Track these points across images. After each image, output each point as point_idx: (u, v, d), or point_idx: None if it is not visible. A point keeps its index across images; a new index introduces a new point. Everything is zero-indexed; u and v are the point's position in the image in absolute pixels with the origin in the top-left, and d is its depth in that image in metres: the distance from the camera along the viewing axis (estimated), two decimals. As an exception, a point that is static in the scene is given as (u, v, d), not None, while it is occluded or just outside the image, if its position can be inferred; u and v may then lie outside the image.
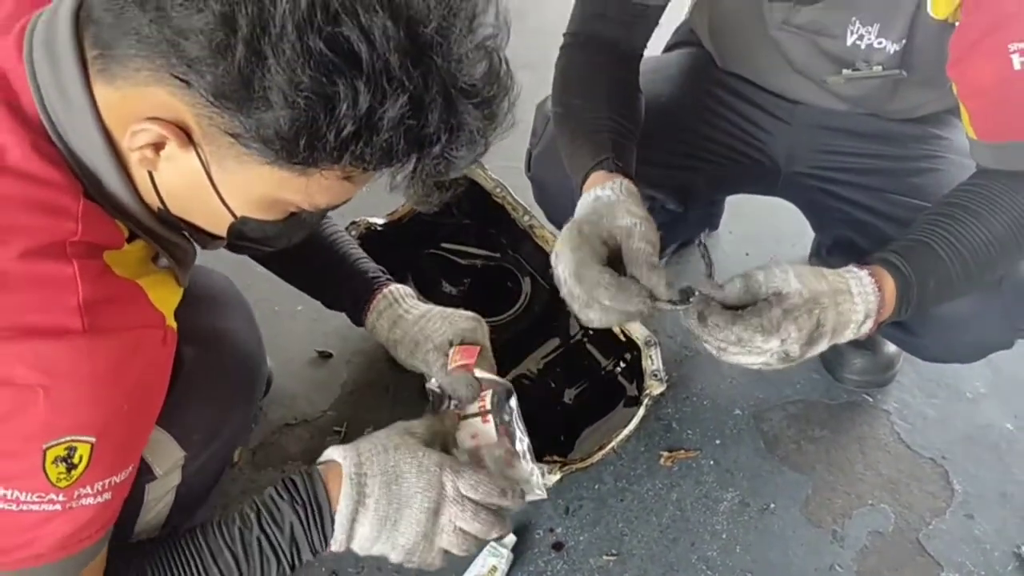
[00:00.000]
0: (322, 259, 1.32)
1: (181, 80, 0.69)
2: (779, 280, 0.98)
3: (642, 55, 1.34)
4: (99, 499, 0.80)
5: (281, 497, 0.97)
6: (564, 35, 1.33)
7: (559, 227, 1.51)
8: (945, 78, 1.12)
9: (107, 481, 0.80)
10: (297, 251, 1.25)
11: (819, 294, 0.97)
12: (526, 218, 1.54)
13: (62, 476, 0.75)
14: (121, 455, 0.81)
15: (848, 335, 1.01)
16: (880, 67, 1.21)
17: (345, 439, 1.53)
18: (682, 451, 1.55)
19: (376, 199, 1.92)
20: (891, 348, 1.63)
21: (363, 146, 0.70)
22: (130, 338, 0.79)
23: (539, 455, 1.31)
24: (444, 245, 1.71)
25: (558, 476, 1.28)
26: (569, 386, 1.54)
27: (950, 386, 1.68)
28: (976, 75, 1.06)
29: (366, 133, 0.69)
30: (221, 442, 1.10)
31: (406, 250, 1.66)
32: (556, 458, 1.34)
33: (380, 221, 1.59)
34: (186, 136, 0.73)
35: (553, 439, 1.46)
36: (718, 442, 1.57)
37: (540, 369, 1.56)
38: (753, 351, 0.97)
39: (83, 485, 0.77)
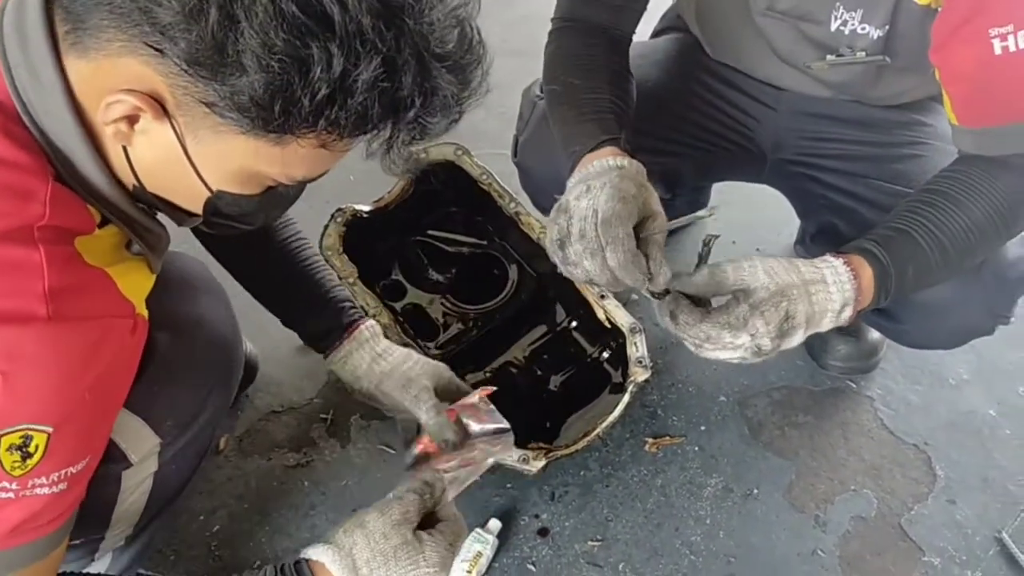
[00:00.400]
0: (297, 287, 1.30)
1: (155, 49, 0.69)
2: (746, 274, 0.99)
3: (631, 40, 1.34)
4: (54, 489, 0.78)
5: None
6: (552, 20, 1.32)
7: (545, 212, 1.52)
8: (928, 64, 1.12)
9: (63, 472, 0.78)
10: (273, 273, 1.29)
11: (787, 287, 0.98)
12: (512, 205, 1.54)
13: (16, 464, 0.74)
14: (79, 446, 0.80)
15: (827, 324, 1.02)
16: (864, 53, 1.22)
17: (331, 426, 1.54)
18: (667, 437, 1.55)
19: (362, 187, 1.92)
20: (875, 335, 1.64)
21: (338, 110, 0.70)
22: (97, 327, 0.78)
23: (524, 442, 1.32)
24: (431, 232, 1.71)
25: (543, 463, 1.28)
26: (555, 373, 1.54)
27: (933, 372, 1.69)
28: (957, 60, 1.06)
29: (340, 96, 0.69)
30: (198, 428, 1.09)
31: (392, 237, 1.66)
32: (541, 445, 1.35)
33: (366, 208, 1.59)
34: (160, 107, 0.73)
35: (539, 426, 1.47)
36: (703, 428, 1.58)
37: (526, 356, 1.56)
38: (726, 347, 0.98)
39: (38, 475, 0.76)
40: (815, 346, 1.68)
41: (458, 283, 1.64)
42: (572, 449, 1.34)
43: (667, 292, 1.02)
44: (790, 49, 1.29)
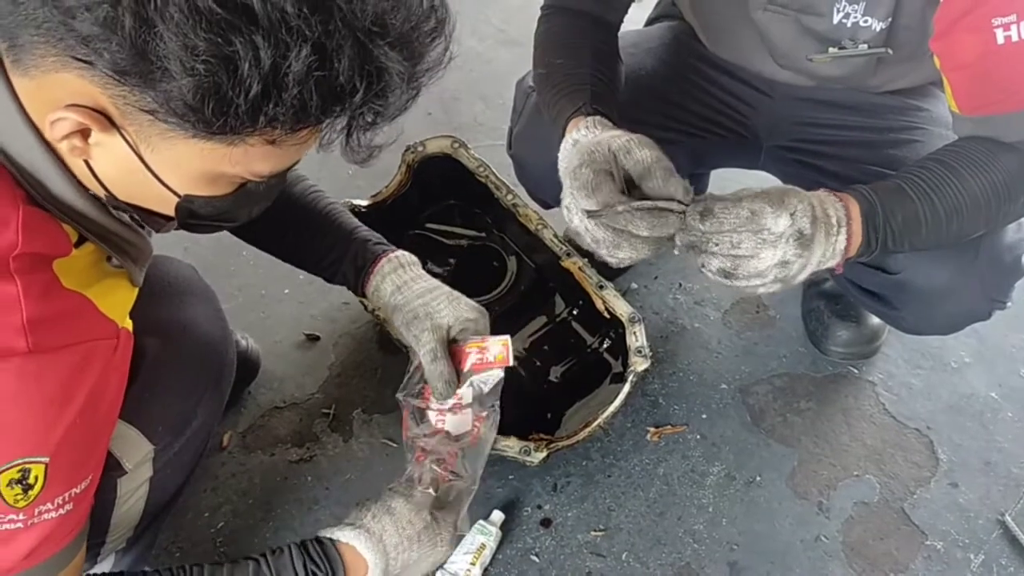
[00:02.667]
0: (321, 231, 1.27)
1: (84, 62, 0.66)
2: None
3: (619, 26, 1.34)
4: (61, 511, 0.79)
5: None
6: (542, 7, 1.32)
7: (541, 203, 1.52)
8: (925, 53, 1.12)
9: (67, 495, 0.79)
10: (293, 225, 1.26)
11: (769, 191, 0.97)
12: (509, 197, 1.54)
13: (19, 497, 0.74)
14: (79, 469, 0.81)
15: (829, 248, 0.99)
16: (866, 45, 1.21)
17: (333, 421, 1.54)
18: (668, 426, 1.56)
19: (360, 182, 1.93)
20: (876, 320, 1.64)
21: (274, 106, 0.66)
22: (79, 353, 0.77)
23: (525, 433, 1.33)
24: (429, 226, 1.71)
25: (545, 453, 1.29)
26: (555, 364, 1.54)
27: (935, 356, 1.69)
28: (959, 49, 1.06)
29: (275, 91, 0.65)
30: (191, 432, 1.08)
31: (391, 232, 1.64)
32: (543, 436, 1.35)
33: (364, 203, 1.59)
34: (106, 120, 0.70)
35: (540, 417, 1.47)
36: (704, 417, 1.58)
37: (526, 348, 1.57)
38: (766, 240, 0.94)
39: (42, 503, 0.76)
40: (816, 332, 1.68)
41: (457, 275, 1.64)
42: (573, 440, 1.34)
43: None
44: (790, 44, 1.27)
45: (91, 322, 0.80)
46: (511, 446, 1.27)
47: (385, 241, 1.27)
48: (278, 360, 1.63)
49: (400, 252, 1.24)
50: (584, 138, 1.08)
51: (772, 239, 0.94)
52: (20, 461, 0.73)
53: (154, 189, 0.78)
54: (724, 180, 1.92)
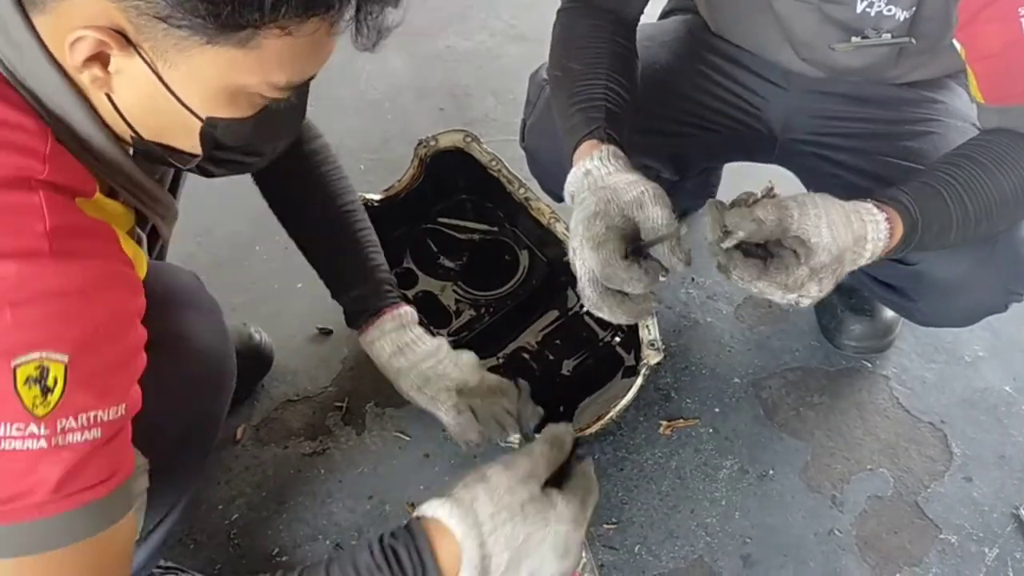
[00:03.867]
0: (344, 255, 1.29)
1: None
2: (810, 224, 0.94)
3: (638, 21, 1.33)
4: (87, 435, 0.73)
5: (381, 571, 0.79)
6: (562, 3, 1.32)
7: (553, 196, 1.52)
8: (945, 45, 1.11)
9: (92, 414, 0.73)
10: (324, 239, 1.29)
11: (845, 250, 0.96)
12: (522, 191, 1.54)
13: (38, 401, 0.70)
14: (103, 388, 0.75)
15: (856, 264, 1.01)
16: (889, 35, 1.19)
17: (346, 414, 1.55)
18: (681, 420, 1.56)
19: (372, 176, 1.94)
20: (889, 314, 1.64)
21: None
22: (100, 267, 0.75)
23: (538, 427, 1.33)
24: (441, 220, 1.71)
25: (557, 447, 1.29)
26: (567, 358, 1.54)
27: (949, 350, 1.68)
28: (984, 39, 1.05)
29: None
30: (192, 443, 1.06)
31: (403, 226, 1.67)
32: (555, 429, 1.35)
33: (377, 197, 1.60)
34: (123, 38, 0.71)
35: (552, 410, 1.47)
36: (717, 410, 1.58)
37: (538, 342, 1.57)
38: (771, 296, 0.97)
39: (64, 415, 0.71)
40: (829, 326, 1.68)
41: (469, 270, 1.65)
42: (586, 433, 1.34)
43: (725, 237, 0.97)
44: (812, 32, 1.26)
45: (113, 248, 0.78)
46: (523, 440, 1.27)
47: (395, 289, 1.29)
48: (291, 354, 1.64)
49: (405, 309, 1.27)
50: (597, 171, 1.07)
51: (778, 297, 0.97)
52: (38, 355, 0.70)
53: (176, 116, 0.78)
54: (737, 176, 1.92)
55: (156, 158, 0.87)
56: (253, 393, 1.58)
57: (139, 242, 0.93)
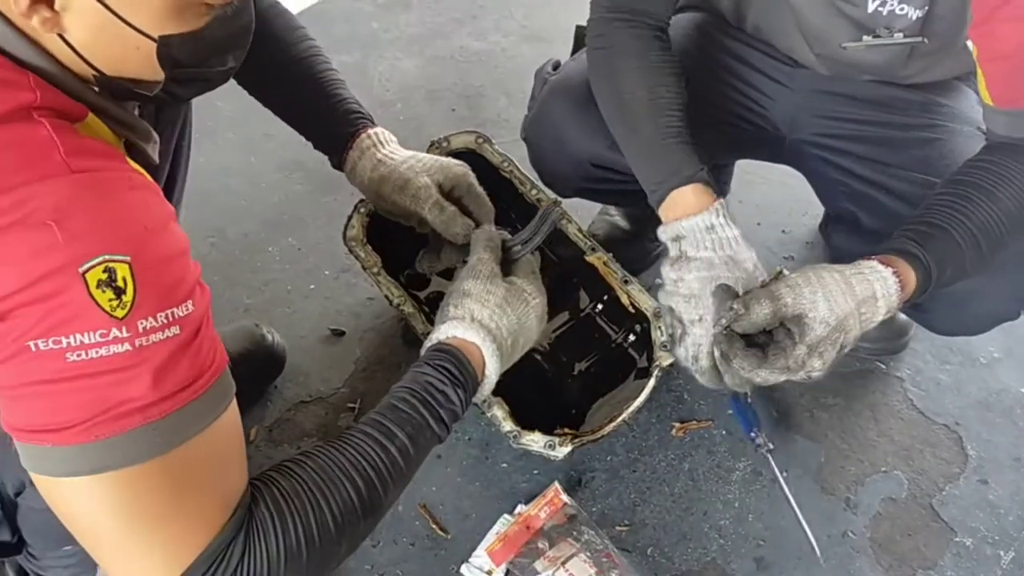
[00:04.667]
0: (309, 97, 1.32)
1: None
2: (806, 301, 0.98)
3: (669, 22, 1.33)
4: (168, 333, 0.73)
5: (444, 383, 1.00)
6: (594, 11, 1.31)
7: (554, 189, 1.52)
8: (958, 45, 1.10)
9: (168, 312, 0.73)
10: (287, 87, 1.31)
11: (845, 317, 0.99)
12: (534, 192, 1.54)
13: (114, 303, 0.70)
14: (168, 281, 0.75)
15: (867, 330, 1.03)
16: (901, 34, 1.19)
17: (359, 415, 1.55)
18: (694, 422, 1.55)
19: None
20: (903, 316, 1.62)
21: None
22: (122, 176, 0.76)
23: (550, 428, 1.32)
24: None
25: (569, 448, 1.28)
26: (580, 359, 1.54)
27: (963, 351, 1.67)
28: (998, 39, 1.04)
29: None
30: None
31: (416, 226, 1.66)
32: (567, 431, 1.35)
33: (389, 198, 1.59)
34: None
35: (564, 412, 1.47)
36: (730, 412, 1.57)
37: (550, 342, 1.56)
38: (776, 380, 1.01)
39: (142, 314, 0.71)
40: (843, 327, 1.67)
41: (482, 271, 1.64)
42: (598, 435, 1.33)
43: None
44: (825, 28, 1.25)
45: (125, 163, 0.78)
46: (536, 440, 1.27)
47: (367, 114, 1.33)
48: (304, 355, 1.64)
49: (379, 129, 1.32)
50: (722, 233, 1.14)
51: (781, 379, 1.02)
52: (101, 258, 0.69)
53: (130, 42, 0.78)
54: (747, 173, 1.92)
55: (123, 93, 0.87)
56: (266, 394, 1.58)
57: None
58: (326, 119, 1.32)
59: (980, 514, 1.45)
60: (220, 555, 0.76)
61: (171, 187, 1.19)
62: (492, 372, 1.06)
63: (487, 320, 1.07)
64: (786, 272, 1.06)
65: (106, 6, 0.74)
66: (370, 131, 1.31)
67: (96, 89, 0.83)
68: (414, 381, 0.99)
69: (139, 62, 0.82)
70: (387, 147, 1.31)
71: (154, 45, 0.80)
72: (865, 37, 1.21)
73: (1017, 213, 1.06)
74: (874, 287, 1.00)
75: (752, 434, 1.43)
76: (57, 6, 0.74)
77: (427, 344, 1.08)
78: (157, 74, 0.84)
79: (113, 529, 0.73)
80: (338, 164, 1.34)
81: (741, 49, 1.43)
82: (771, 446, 1.42)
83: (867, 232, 1.32)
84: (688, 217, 1.15)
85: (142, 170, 0.80)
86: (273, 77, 1.33)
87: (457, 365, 1.02)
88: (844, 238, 1.41)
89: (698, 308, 1.12)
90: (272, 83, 1.34)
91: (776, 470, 1.42)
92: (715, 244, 1.13)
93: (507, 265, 1.20)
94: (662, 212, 1.20)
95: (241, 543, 0.77)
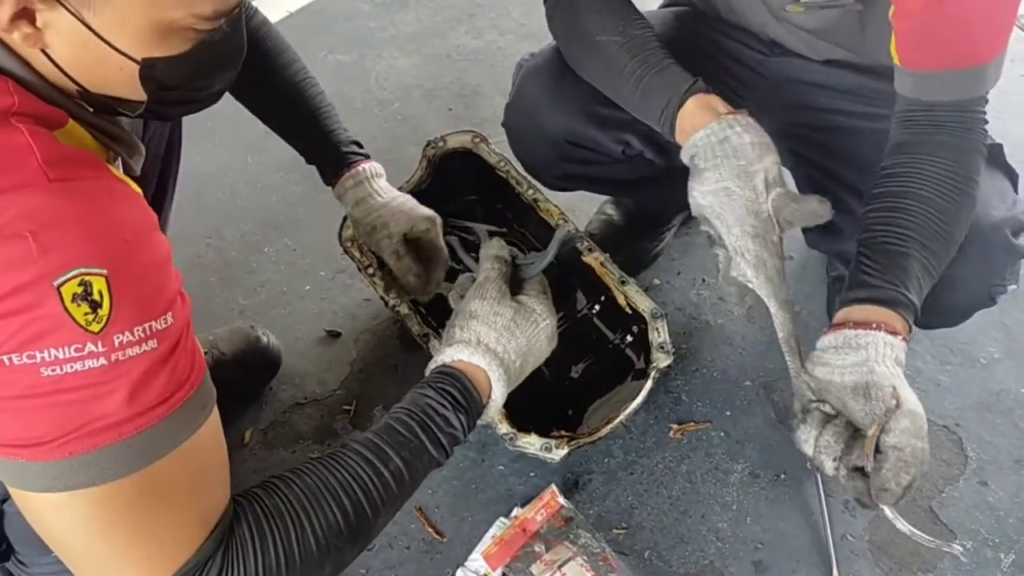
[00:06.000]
0: (304, 125, 1.37)
1: None
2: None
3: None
4: (145, 347, 0.72)
5: (446, 407, 0.95)
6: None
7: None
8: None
9: (145, 326, 0.72)
10: (280, 111, 1.37)
11: (917, 444, 0.95)
12: (530, 192, 1.53)
13: (90, 317, 0.68)
14: (145, 294, 0.73)
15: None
16: None
17: (354, 417, 1.54)
18: (692, 423, 1.54)
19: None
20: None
21: None
22: (102, 185, 0.74)
23: (547, 430, 1.32)
24: (449, 221, 1.70)
25: (566, 451, 1.27)
26: (577, 360, 1.53)
27: (963, 352, 1.66)
28: None
29: None
30: None
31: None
32: (564, 433, 1.34)
33: (385, 199, 1.58)
34: None
35: (561, 413, 1.46)
36: (728, 413, 1.56)
37: (548, 344, 1.55)
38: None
39: (118, 328, 0.70)
40: (842, 328, 1.66)
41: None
42: (595, 437, 1.32)
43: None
44: None
45: (106, 171, 0.77)
46: (532, 443, 1.26)
47: (357, 146, 1.40)
48: (299, 357, 1.64)
49: (365, 165, 1.38)
50: (737, 137, 1.11)
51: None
52: (77, 271, 0.68)
53: (113, 62, 0.76)
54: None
55: (106, 109, 0.85)
56: (261, 396, 1.57)
57: None
58: (322, 147, 1.38)
59: (980, 516, 1.43)
60: (196, 574, 0.75)
61: (161, 194, 1.17)
62: (498, 396, 1.02)
63: (494, 343, 1.02)
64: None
65: (88, 27, 0.73)
66: (363, 166, 1.37)
67: (80, 102, 0.82)
68: (414, 403, 0.95)
69: (122, 82, 0.80)
70: (374, 183, 1.38)
71: (137, 67, 0.78)
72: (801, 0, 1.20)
73: (949, 206, 1.05)
74: (898, 372, 0.98)
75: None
76: (39, 23, 0.72)
77: (431, 366, 1.04)
78: (140, 95, 0.82)
79: (87, 546, 0.72)
80: (328, 183, 1.41)
81: (718, 38, 1.44)
82: None
83: (836, 231, 1.31)
84: (696, 131, 1.13)
85: (125, 177, 0.79)
86: (264, 102, 1.37)
87: (461, 390, 0.98)
88: (817, 238, 1.41)
89: (724, 223, 1.10)
90: (263, 106, 1.38)
91: (820, 487, 1.43)
92: (725, 154, 1.10)
93: (516, 283, 1.15)
94: (678, 138, 1.18)
95: (219, 563, 0.76)
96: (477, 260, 1.63)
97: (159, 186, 1.20)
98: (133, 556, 0.73)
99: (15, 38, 0.73)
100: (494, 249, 1.15)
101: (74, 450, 0.69)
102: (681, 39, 1.45)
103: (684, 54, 1.43)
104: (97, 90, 0.81)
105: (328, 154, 1.37)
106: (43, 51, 0.75)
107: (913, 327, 1.03)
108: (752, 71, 1.42)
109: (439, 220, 1.38)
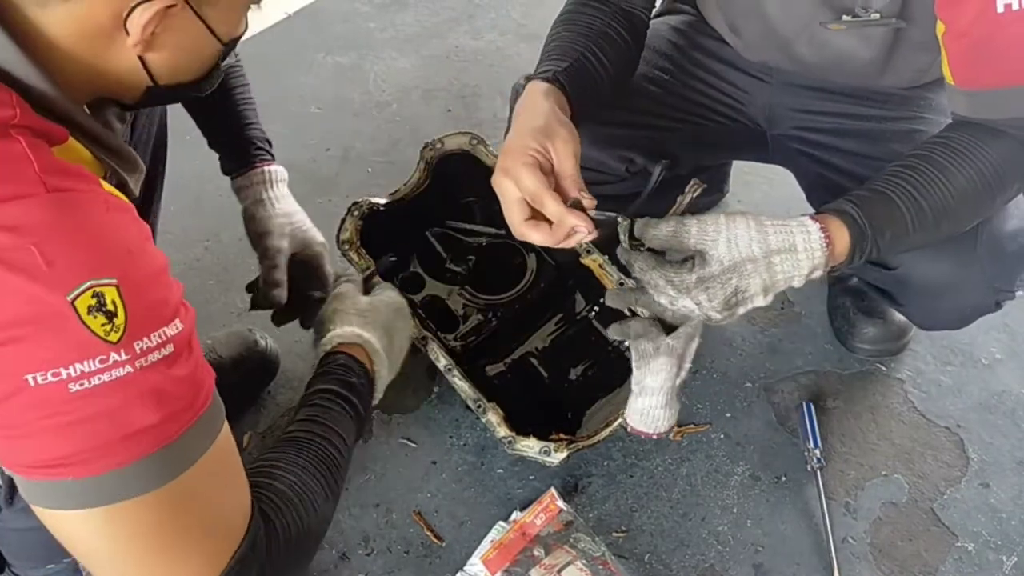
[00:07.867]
0: (215, 109, 1.36)
1: None
2: (708, 238, 0.97)
3: (645, 23, 1.32)
4: (164, 352, 0.73)
5: (350, 391, 1.08)
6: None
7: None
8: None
9: (160, 331, 0.73)
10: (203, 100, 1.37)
11: (743, 261, 0.97)
12: (529, 194, 1.52)
13: (108, 327, 0.69)
14: (159, 303, 0.74)
15: (796, 284, 1.00)
16: (878, 14, 1.17)
17: (353, 421, 1.53)
18: (692, 425, 1.53)
19: (380, 180, 1.92)
20: (903, 317, 1.61)
21: None
22: (98, 197, 0.74)
23: (546, 433, 1.31)
24: (448, 223, 1.69)
25: (565, 453, 1.27)
26: (576, 363, 1.52)
27: (965, 352, 1.65)
28: (960, 15, 1.02)
29: None
30: None
31: (410, 229, 1.65)
32: (563, 435, 1.33)
33: (383, 201, 1.58)
34: None
35: (560, 416, 1.45)
36: (728, 416, 1.55)
37: (546, 346, 1.55)
38: (673, 301, 1.01)
39: (137, 336, 0.70)
40: (842, 329, 1.65)
41: (477, 274, 1.63)
42: (595, 439, 1.32)
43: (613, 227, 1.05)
44: (800, 12, 1.23)
45: (99, 187, 0.77)
46: (531, 446, 1.26)
47: (269, 145, 1.40)
48: (298, 360, 1.63)
49: (274, 168, 1.38)
50: (537, 103, 1.12)
51: (679, 301, 1.01)
52: (88, 283, 0.68)
53: (204, 51, 0.85)
54: (747, 174, 1.90)
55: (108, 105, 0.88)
56: (259, 400, 1.57)
57: None
58: (232, 137, 1.37)
59: (982, 518, 1.43)
60: (248, 554, 0.80)
61: (147, 208, 1.17)
62: (380, 377, 1.17)
63: (366, 327, 1.16)
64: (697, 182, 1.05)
65: (204, 21, 0.80)
66: (267, 168, 1.37)
67: (85, 108, 0.83)
68: (327, 384, 1.08)
69: (194, 68, 0.88)
70: (273, 189, 1.37)
71: (220, 50, 0.86)
72: (844, 16, 1.19)
73: (969, 188, 1.03)
74: (795, 239, 0.97)
75: (812, 445, 1.45)
76: (165, 24, 0.77)
77: (318, 354, 1.15)
78: (198, 75, 0.89)
79: (136, 555, 0.74)
80: (227, 174, 1.40)
81: (719, 48, 1.43)
82: (823, 463, 1.43)
83: None
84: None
85: (117, 192, 0.79)
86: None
87: (358, 374, 1.11)
88: None
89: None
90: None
91: (821, 488, 1.43)
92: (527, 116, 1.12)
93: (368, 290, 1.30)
94: None
95: (263, 535, 0.82)
96: (460, 266, 1.64)
97: (145, 198, 1.20)
98: (182, 557, 0.76)
99: (128, 42, 0.77)
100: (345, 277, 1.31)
101: (121, 461, 0.70)
102: (679, 48, 1.45)
103: (681, 64, 1.43)
104: (168, 81, 0.85)
105: (238, 144, 1.37)
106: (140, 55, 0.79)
107: (862, 257, 1.03)
108: (753, 77, 1.41)
109: (327, 248, 1.41)
